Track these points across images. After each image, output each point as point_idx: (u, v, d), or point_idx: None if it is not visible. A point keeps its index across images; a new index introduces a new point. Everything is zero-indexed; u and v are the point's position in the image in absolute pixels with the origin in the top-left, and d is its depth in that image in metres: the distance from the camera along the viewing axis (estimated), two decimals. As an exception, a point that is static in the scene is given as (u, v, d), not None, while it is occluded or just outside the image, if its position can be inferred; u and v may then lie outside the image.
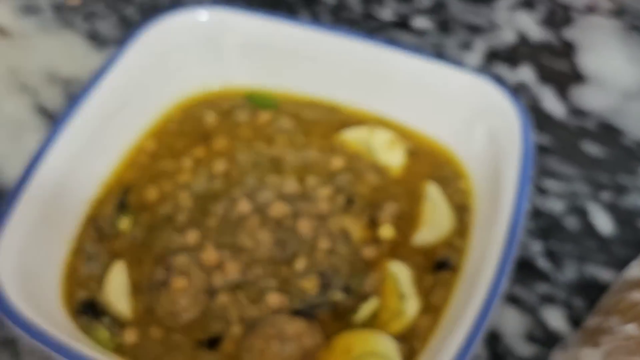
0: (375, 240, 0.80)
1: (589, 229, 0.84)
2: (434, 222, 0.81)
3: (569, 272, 0.82)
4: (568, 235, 0.84)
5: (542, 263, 0.82)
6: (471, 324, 0.66)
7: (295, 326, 0.72)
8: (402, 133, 0.88)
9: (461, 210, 0.82)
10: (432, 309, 0.75)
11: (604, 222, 0.86)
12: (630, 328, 0.71)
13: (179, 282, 0.75)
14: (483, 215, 0.79)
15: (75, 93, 0.89)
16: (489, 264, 0.70)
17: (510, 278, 0.81)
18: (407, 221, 0.81)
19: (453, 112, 0.86)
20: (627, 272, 0.78)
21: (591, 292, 0.80)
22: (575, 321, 0.78)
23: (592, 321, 0.74)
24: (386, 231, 0.80)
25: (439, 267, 0.78)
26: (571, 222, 0.86)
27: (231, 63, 0.93)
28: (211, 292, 0.76)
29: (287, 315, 0.74)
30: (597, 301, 0.77)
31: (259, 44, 0.92)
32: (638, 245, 0.83)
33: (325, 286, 0.75)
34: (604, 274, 0.81)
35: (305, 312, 0.75)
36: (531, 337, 0.78)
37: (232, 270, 0.77)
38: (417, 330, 0.74)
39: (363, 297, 0.76)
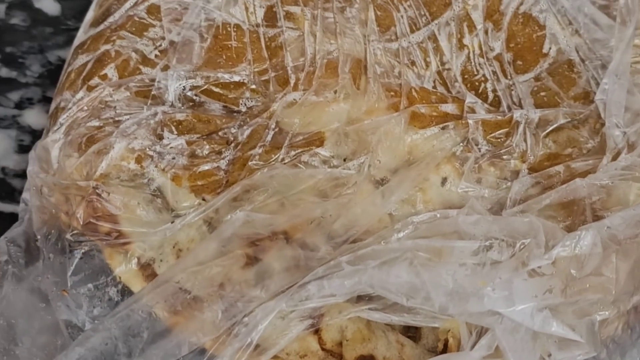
0: None
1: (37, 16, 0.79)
2: None
3: (35, 67, 0.79)
4: (18, 33, 0.80)
5: (5, 72, 0.79)
6: None
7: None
8: None
9: None
10: None
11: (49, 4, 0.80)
12: (80, 95, 0.68)
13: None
14: None
15: None
16: None
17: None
18: None
19: None
20: (75, 41, 0.74)
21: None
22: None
23: (53, 104, 0.72)
24: None
25: None
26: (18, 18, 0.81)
27: None
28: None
29: None
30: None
31: None
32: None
33: None
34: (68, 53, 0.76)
35: None
36: (22, 148, 0.76)
37: None
38: None
39: None
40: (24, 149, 0.73)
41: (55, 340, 0.60)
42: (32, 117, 0.75)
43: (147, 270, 0.60)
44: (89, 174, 0.62)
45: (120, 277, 0.61)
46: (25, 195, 0.65)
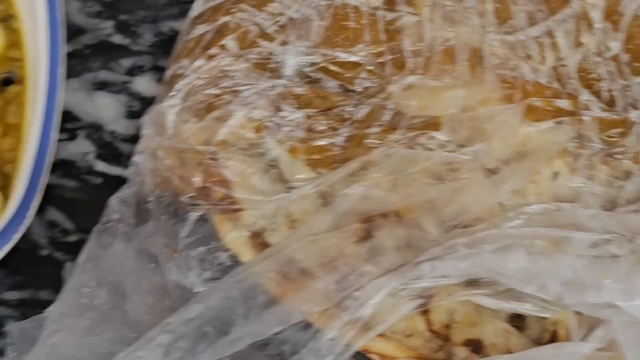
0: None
1: (153, -12, 0.81)
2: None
3: (148, 37, 0.80)
4: (132, 2, 0.82)
5: (118, 39, 0.81)
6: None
7: None
8: None
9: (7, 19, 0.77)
10: (11, 130, 0.73)
11: (166, -24, 0.82)
12: (198, 63, 0.70)
13: None
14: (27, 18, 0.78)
15: None
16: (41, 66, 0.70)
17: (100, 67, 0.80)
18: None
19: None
20: (191, 12, 0.75)
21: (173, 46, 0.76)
22: (166, 80, 0.75)
23: (169, 72, 0.73)
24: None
25: (5, 84, 0.80)
26: (135, -13, 0.83)
27: None
28: None
29: None
30: (175, 52, 0.74)
31: None
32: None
33: None
34: (180, 24, 0.77)
35: None
36: (131, 114, 0.78)
37: None
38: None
39: None
40: (133, 114, 0.75)
41: (163, 301, 0.60)
42: (143, 84, 0.77)
43: (258, 239, 0.61)
44: (207, 140, 0.63)
45: (229, 244, 0.61)
46: (135, 158, 0.65)
